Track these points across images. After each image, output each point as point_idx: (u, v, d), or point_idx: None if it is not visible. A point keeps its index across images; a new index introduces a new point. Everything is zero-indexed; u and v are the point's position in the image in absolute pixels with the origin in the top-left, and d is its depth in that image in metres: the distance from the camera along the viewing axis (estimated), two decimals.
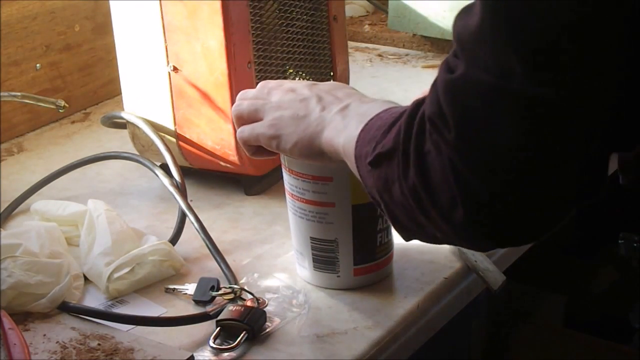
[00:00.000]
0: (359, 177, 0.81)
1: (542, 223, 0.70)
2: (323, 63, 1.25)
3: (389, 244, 0.97)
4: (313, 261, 0.96)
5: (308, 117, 0.87)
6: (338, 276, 0.95)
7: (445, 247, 1.02)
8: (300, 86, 0.91)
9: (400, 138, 0.74)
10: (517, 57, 0.64)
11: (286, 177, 0.95)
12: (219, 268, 0.98)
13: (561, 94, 0.64)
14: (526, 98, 0.65)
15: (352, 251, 0.94)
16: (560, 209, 0.70)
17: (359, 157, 0.80)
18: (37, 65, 1.36)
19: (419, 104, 0.74)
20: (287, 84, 0.93)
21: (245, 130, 0.92)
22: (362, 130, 0.81)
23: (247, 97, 0.93)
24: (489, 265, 0.99)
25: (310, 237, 0.95)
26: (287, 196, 0.96)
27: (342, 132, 0.84)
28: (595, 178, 0.69)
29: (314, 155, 0.87)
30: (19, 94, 1.15)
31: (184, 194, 1.06)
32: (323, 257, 0.95)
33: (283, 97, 0.91)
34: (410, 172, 0.72)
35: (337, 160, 0.85)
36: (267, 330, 0.89)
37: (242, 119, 0.93)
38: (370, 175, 0.78)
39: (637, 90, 0.66)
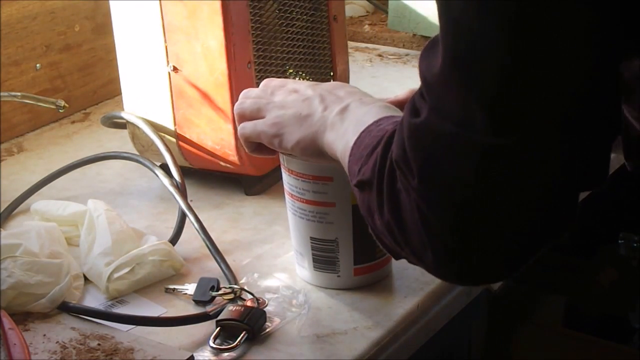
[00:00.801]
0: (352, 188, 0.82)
1: (511, 263, 0.71)
2: (323, 63, 1.25)
3: None
4: (313, 261, 0.96)
5: (311, 117, 0.87)
6: (338, 276, 0.95)
7: None
8: (303, 86, 0.91)
9: (376, 171, 0.74)
10: (478, 105, 0.64)
11: (286, 177, 0.95)
12: (219, 268, 0.98)
13: (518, 142, 0.64)
14: (485, 147, 0.64)
15: (352, 251, 0.94)
16: (527, 249, 0.70)
17: (351, 172, 0.81)
18: (37, 65, 1.36)
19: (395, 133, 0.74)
20: (291, 84, 0.93)
21: (247, 126, 0.91)
22: (354, 144, 0.81)
23: (250, 96, 0.93)
24: None
25: (311, 237, 0.95)
26: (287, 196, 0.96)
27: (341, 138, 0.84)
28: (562, 217, 0.68)
29: (316, 154, 0.87)
30: (19, 94, 1.15)
31: (184, 194, 1.06)
32: (323, 257, 0.95)
33: (286, 97, 0.91)
34: (385, 208, 0.73)
35: (337, 162, 0.85)
36: (267, 330, 0.89)
37: (244, 118, 0.92)
38: (357, 196, 0.79)
39: (597, 128, 0.65)
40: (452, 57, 0.64)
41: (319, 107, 0.87)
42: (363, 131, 0.81)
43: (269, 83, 0.94)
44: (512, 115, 0.64)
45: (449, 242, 0.68)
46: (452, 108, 0.65)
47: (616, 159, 0.76)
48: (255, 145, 0.92)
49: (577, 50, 0.62)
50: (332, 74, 1.26)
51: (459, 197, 0.66)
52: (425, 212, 0.68)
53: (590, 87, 0.63)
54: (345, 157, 0.82)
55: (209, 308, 0.92)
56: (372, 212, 0.76)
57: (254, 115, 0.92)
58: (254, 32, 1.11)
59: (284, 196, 0.97)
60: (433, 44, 0.68)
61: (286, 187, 0.95)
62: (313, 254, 0.95)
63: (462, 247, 0.68)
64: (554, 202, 0.67)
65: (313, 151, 0.87)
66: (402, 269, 0.99)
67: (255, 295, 0.92)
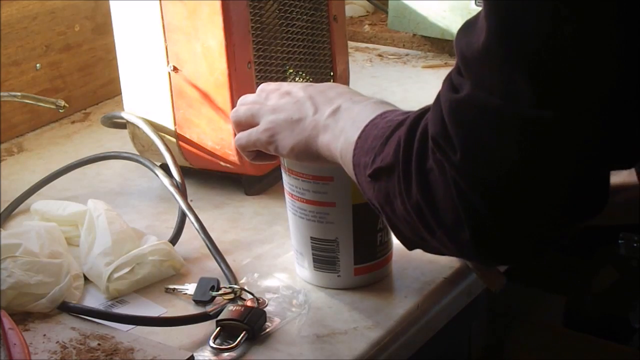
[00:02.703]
0: (357, 184, 0.81)
1: (547, 241, 0.71)
2: (323, 63, 1.25)
3: (388, 243, 0.97)
4: (313, 261, 0.96)
5: (302, 121, 0.87)
6: (338, 276, 0.95)
7: None
8: (296, 88, 0.91)
9: (400, 154, 0.73)
10: (523, 79, 0.64)
11: (286, 177, 0.95)
12: (219, 268, 0.98)
13: (562, 114, 0.64)
14: (530, 119, 0.65)
15: (352, 251, 0.94)
16: (564, 227, 0.70)
17: (357, 166, 0.80)
18: (37, 65, 1.36)
19: (419, 116, 0.74)
20: (285, 86, 0.93)
21: (242, 137, 0.92)
22: (359, 138, 0.80)
23: (246, 102, 0.94)
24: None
25: (311, 237, 0.95)
26: (287, 196, 0.96)
27: (339, 138, 0.84)
28: (597, 196, 0.69)
29: (311, 158, 0.88)
30: (19, 94, 1.15)
31: (184, 194, 1.06)
32: (323, 257, 0.95)
33: (279, 101, 0.91)
34: (412, 189, 0.72)
35: (334, 163, 0.85)
36: (267, 330, 0.89)
37: (241, 125, 0.93)
38: (370, 187, 0.78)
39: (633, 106, 0.66)
40: (495, 32, 0.65)
41: (309, 110, 0.87)
42: (367, 125, 0.81)
43: (265, 87, 0.94)
44: (557, 88, 0.64)
45: (488, 218, 0.68)
46: (496, 82, 0.65)
47: None
48: (254, 154, 0.93)
49: (623, 25, 0.62)
50: (332, 74, 1.26)
51: (501, 171, 0.66)
52: (464, 188, 0.68)
53: (634, 63, 0.63)
54: (347, 154, 0.81)
55: (209, 308, 0.92)
56: (392, 198, 0.75)
57: (249, 121, 0.92)
58: (254, 32, 1.11)
59: (284, 196, 0.97)
60: (470, 23, 0.68)
61: (286, 187, 0.95)
62: (313, 254, 0.95)
63: (501, 223, 0.68)
64: (591, 179, 0.68)
65: (308, 155, 0.87)
66: (402, 269, 0.99)
67: (255, 295, 0.92)
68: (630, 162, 0.69)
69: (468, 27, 0.68)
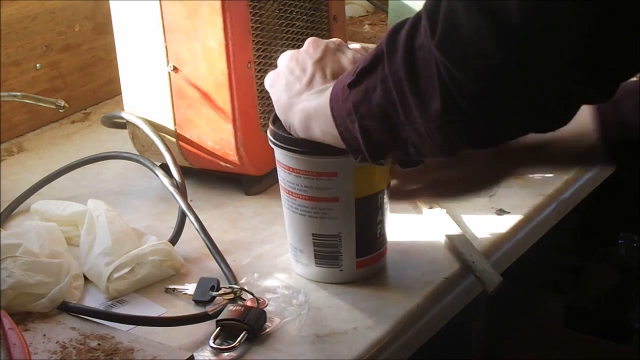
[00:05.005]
0: (331, 118, 0.83)
1: (502, 132, 0.77)
2: None
3: (384, 236, 0.97)
4: (315, 257, 0.95)
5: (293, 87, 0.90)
6: (341, 270, 0.95)
7: (445, 248, 1.02)
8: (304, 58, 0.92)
9: (384, 44, 0.77)
10: None
11: (286, 176, 0.95)
12: (219, 268, 0.98)
13: (542, 29, 0.67)
14: (512, 30, 0.67)
15: (354, 244, 0.94)
16: (519, 125, 0.76)
17: (334, 98, 0.83)
18: (37, 65, 1.36)
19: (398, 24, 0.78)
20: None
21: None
22: (335, 85, 0.85)
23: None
24: (486, 266, 0.98)
25: (312, 234, 0.95)
26: (285, 195, 0.96)
27: (315, 100, 0.87)
28: (556, 116, 0.74)
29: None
30: (19, 94, 1.15)
31: (184, 194, 1.06)
32: (326, 252, 0.95)
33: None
34: (396, 64, 0.76)
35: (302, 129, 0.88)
36: (267, 330, 0.89)
37: None
38: (345, 100, 0.81)
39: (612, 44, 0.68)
40: None
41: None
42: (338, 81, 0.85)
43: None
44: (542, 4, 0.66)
45: (462, 90, 0.72)
46: None
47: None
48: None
49: None
50: None
51: (478, 59, 0.70)
52: (445, 62, 0.71)
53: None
54: (323, 102, 0.85)
55: (209, 308, 0.92)
56: (370, 94, 0.79)
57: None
58: (254, 32, 1.11)
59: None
60: None
61: (285, 185, 0.95)
62: (315, 250, 0.95)
63: (471, 98, 0.72)
64: (556, 95, 0.72)
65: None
66: (402, 269, 0.99)
67: (255, 295, 0.92)
68: (604, 96, 0.72)
69: None
